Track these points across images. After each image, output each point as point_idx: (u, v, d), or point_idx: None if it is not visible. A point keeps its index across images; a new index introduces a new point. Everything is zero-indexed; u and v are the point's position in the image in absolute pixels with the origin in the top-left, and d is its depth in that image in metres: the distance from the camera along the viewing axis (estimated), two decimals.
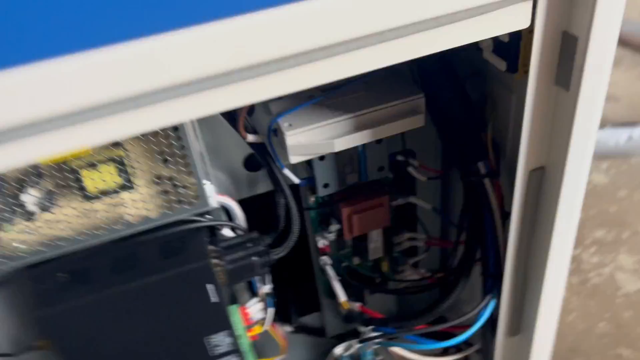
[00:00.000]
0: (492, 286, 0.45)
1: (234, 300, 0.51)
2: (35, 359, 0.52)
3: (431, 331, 0.49)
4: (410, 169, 0.50)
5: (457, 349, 0.58)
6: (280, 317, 0.63)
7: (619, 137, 1.04)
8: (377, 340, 0.47)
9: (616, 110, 1.20)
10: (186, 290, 0.44)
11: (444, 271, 0.56)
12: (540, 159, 0.37)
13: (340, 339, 0.66)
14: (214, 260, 0.44)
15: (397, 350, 0.48)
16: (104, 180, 0.39)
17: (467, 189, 0.45)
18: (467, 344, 0.60)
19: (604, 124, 1.10)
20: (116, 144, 0.39)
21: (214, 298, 0.45)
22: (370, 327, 0.48)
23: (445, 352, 0.59)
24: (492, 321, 0.47)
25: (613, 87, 1.27)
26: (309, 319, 0.67)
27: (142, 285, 0.42)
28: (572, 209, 0.37)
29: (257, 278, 0.51)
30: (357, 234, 0.51)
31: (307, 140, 0.42)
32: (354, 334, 0.54)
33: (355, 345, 0.49)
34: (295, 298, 0.62)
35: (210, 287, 0.44)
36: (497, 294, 0.45)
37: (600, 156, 1.06)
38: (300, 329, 0.65)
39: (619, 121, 1.10)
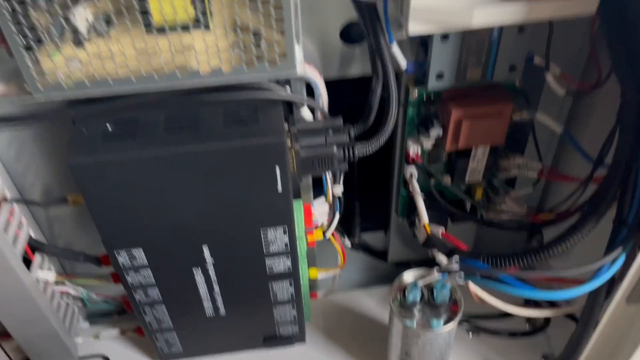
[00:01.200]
0: (627, 238, 0.36)
1: (298, 195, 0.44)
2: (64, 214, 0.47)
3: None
4: (549, 77, 0.39)
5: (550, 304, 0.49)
6: (342, 228, 0.55)
7: None
8: (463, 274, 0.39)
9: None
10: (250, 170, 0.36)
11: (546, 210, 0.46)
12: None
13: (400, 267, 0.58)
14: (288, 141, 0.36)
15: (480, 292, 0.40)
16: (174, 9, 0.31)
17: (623, 111, 0.35)
18: (552, 304, 0.51)
19: None
20: None
21: (280, 185, 0.37)
22: (456, 257, 0.39)
23: (526, 303, 0.51)
24: (612, 281, 0.38)
25: None
26: (372, 238, 0.59)
27: (199, 152, 0.35)
28: None
29: (328, 175, 0.43)
30: (462, 147, 0.42)
31: (438, 3, 0.31)
32: (417, 265, 0.46)
33: (434, 275, 0.40)
34: (363, 210, 0.54)
35: (278, 171, 0.36)
36: (630, 250, 0.36)
37: None
38: (360, 247, 0.58)
39: None
